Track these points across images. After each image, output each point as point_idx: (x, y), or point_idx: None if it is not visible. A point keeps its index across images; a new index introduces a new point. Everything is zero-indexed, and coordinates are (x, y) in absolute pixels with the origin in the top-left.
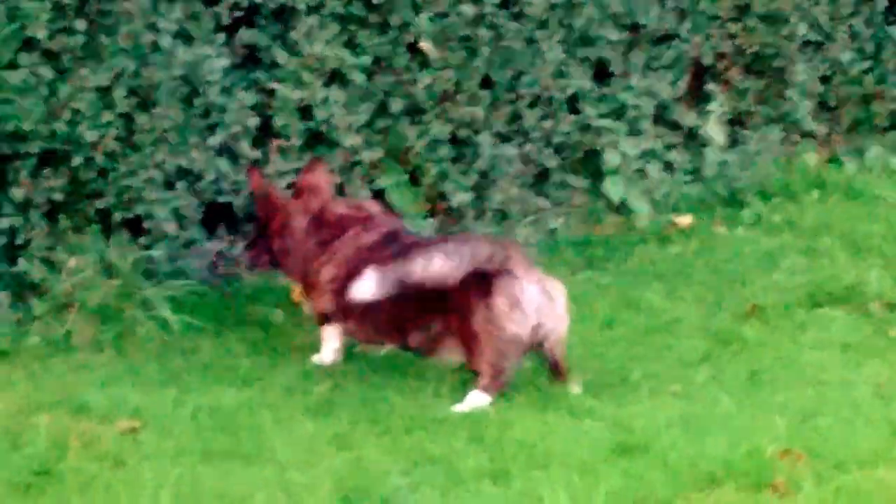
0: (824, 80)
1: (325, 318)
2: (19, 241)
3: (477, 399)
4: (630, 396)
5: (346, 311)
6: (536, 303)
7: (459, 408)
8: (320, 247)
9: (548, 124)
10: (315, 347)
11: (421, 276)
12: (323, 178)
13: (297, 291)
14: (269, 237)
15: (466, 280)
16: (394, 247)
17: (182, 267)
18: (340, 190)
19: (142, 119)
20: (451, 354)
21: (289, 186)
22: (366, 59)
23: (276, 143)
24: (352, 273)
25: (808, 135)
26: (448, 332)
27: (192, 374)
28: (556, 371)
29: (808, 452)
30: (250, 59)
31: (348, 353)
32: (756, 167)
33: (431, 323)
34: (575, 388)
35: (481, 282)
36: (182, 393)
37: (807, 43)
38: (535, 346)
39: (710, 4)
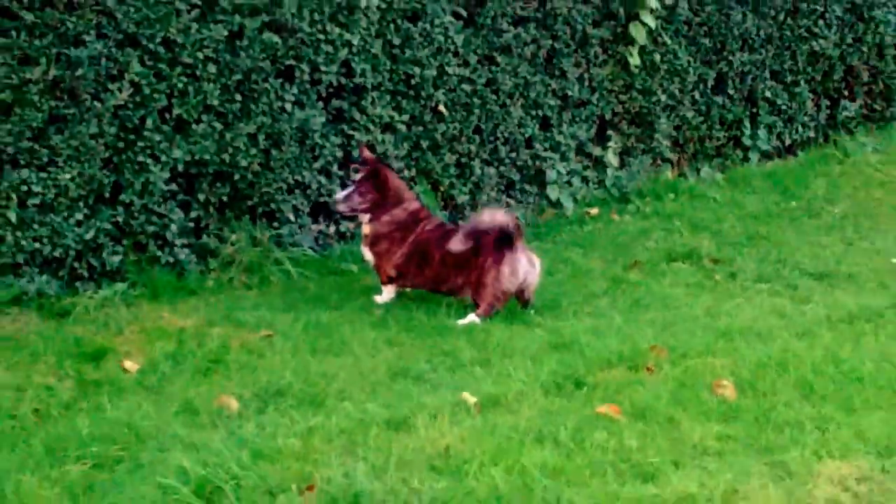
0: (677, 128)
1: (389, 280)
2: (202, 224)
3: (473, 318)
4: (561, 315)
5: (406, 273)
6: (525, 269)
7: (462, 322)
8: (402, 237)
9: (514, 154)
10: (376, 289)
11: (488, 223)
12: (371, 154)
13: (366, 235)
14: (380, 199)
15: (487, 251)
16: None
17: (298, 240)
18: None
19: (274, 153)
20: (466, 295)
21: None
22: (406, 117)
23: (352, 166)
24: (416, 251)
25: (666, 160)
26: (467, 284)
27: (304, 303)
28: (525, 304)
29: (667, 347)
30: (338, 117)
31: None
32: (636, 180)
33: (458, 278)
34: (531, 311)
35: (497, 253)
36: (298, 314)
37: (666, 106)
38: (518, 293)
39: (609, 83)
